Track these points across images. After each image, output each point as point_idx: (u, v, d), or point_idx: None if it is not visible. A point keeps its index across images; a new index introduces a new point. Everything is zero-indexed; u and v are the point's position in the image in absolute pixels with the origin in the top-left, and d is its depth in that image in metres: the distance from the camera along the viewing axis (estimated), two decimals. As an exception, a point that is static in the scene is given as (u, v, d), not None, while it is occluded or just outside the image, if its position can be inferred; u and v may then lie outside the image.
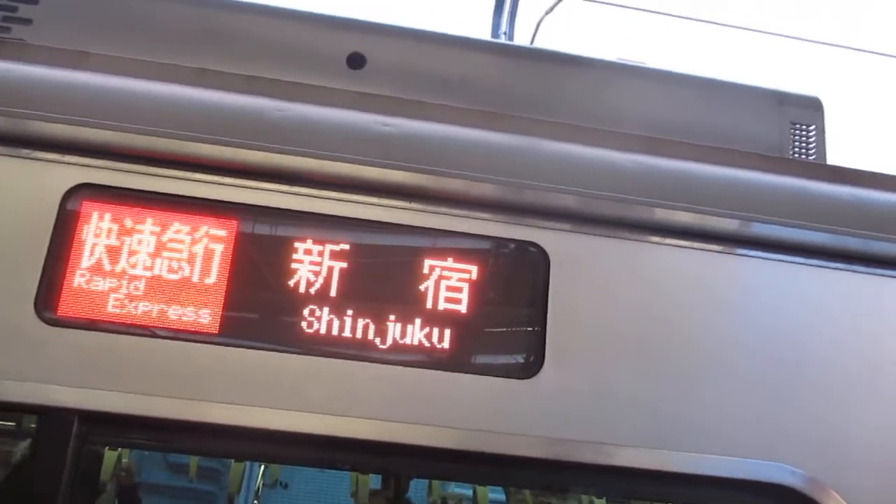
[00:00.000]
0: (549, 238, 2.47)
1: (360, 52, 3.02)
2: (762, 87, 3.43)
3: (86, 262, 2.26)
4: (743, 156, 2.75)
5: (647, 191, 2.56)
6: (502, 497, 5.59)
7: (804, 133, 3.36)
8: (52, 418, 2.13)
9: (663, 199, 2.56)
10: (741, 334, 2.50)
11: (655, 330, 2.44)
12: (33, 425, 2.26)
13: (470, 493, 5.87)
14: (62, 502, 2.09)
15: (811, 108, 3.40)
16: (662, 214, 2.54)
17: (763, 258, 2.58)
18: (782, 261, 2.58)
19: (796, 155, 3.32)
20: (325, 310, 2.32)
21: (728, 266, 2.59)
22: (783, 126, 3.34)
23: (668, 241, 2.54)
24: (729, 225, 2.57)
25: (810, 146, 3.35)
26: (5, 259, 2.23)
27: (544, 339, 2.36)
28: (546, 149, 2.63)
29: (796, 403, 2.45)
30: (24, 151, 2.33)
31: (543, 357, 2.35)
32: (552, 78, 3.06)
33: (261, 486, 5.32)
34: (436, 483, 5.40)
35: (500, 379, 2.34)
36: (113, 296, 2.25)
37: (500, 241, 2.49)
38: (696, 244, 2.56)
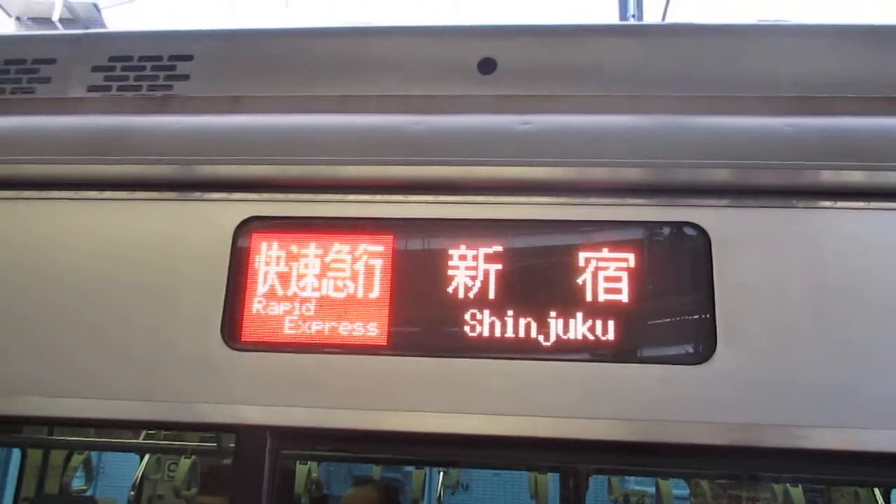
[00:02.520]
0: (706, 216, 2.36)
1: (489, 56, 3.03)
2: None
3: (261, 289, 2.43)
4: None
5: (810, 154, 2.39)
6: (686, 493, 5.39)
7: None
8: (246, 435, 2.29)
9: (829, 161, 2.38)
10: None
11: (835, 300, 2.26)
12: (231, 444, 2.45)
13: (651, 489, 5.68)
14: None
15: None
16: (831, 176, 2.36)
17: None
18: None
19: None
20: (486, 312, 2.35)
21: None
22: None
23: (841, 203, 2.35)
24: None
25: None
26: (191, 294, 2.44)
27: (714, 320, 2.26)
28: (691, 124, 2.53)
29: None
30: (196, 194, 2.55)
31: (715, 340, 2.24)
32: (691, 51, 2.92)
33: (441, 491, 5.44)
34: (616, 480, 5.29)
35: (672, 367, 2.26)
36: (288, 318, 2.40)
37: (655, 226, 2.41)
38: (873, 204, 2.35)
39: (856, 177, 2.35)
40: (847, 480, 4.32)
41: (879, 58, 2.85)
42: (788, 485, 4.31)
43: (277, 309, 2.41)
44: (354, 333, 2.37)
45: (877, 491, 4.69)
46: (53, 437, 5.13)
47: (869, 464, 2.22)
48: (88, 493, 5.60)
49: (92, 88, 2.99)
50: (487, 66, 2.98)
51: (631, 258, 2.36)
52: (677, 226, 2.39)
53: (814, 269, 2.30)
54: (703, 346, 2.26)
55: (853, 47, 2.78)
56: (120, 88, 2.99)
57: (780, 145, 2.41)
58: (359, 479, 5.15)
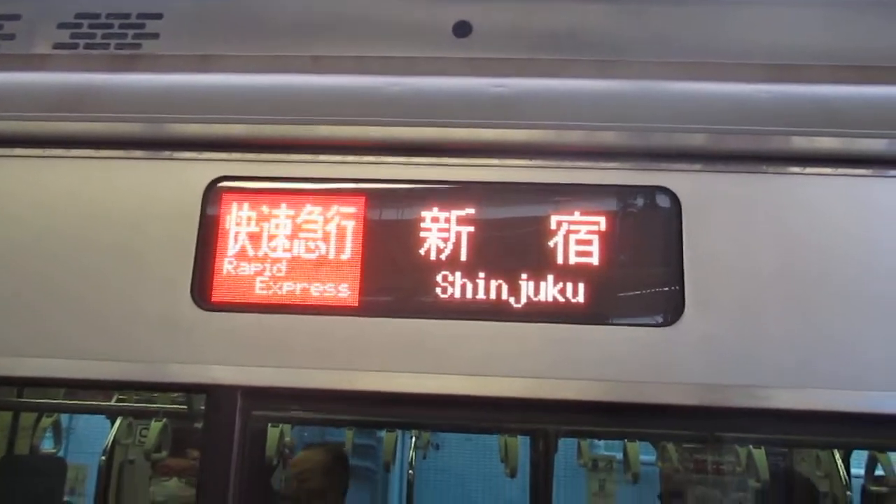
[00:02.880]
0: (678, 181, 2.39)
1: (465, 19, 3.01)
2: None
3: (231, 249, 2.42)
4: (883, 71, 2.54)
5: (781, 120, 2.42)
6: (652, 458, 5.49)
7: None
8: (217, 395, 2.29)
9: (800, 127, 2.41)
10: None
11: (802, 264, 2.31)
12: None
13: (620, 454, 5.79)
14: (234, 473, 2.26)
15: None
16: (802, 142, 2.39)
17: None
18: None
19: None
20: (458, 274, 2.36)
21: (880, 190, 2.40)
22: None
23: (811, 169, 2.39)
24: (878, 146, 2.38)
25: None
26: (160, 254, 2.42)
27: (682, 283, 2.29)
28: (665, 89, 2.54)
29: None
30: (165, 153, 2.52)
31: (683, 302, 2.28)
32: (667, 17, 2.92)
33: (413, 454, 5.48)
34: (585, 445, 5.38)
35: (641, 328, 2.29)
36: (259, 279, 2.39)
37: (626, 189, 2.43)
38: (842, 170, 2.39)
39: (826, 143, 2.38)
40: (808, 441, 4.43)
41: (851, 27, 2.87)
42: (752, 447, 4.41)
43: (248, 269, 2.40)
44: (326, 294, 2.37)
45: (836, 454, 4.83)
46: (21, 399, 5.08)
47: (829, 423, 2.29)
48: (59, 457, 5.56)
49: (58, 46, 2.92)
50: (463, 28, 2.96)
51: (602, 221, 2.38)
52: (649, 190, 2.41)
53: (782, 233, 2.33)
54: (672, 308, 2.30)
55: (826, 16, 2.80)
56: (87, 46, 2.92)
57: (752, 112, 2.43)
58: (310, 443, 5.17)
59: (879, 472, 4.92)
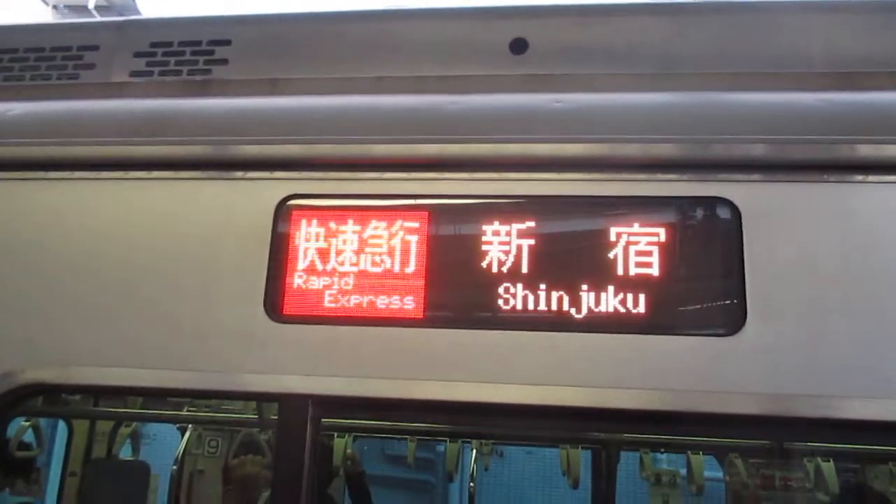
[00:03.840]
0: (737, 191, 2.39)
1: (521, 37, 3.07)
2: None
3: (301, 264, 2.52)
4: None
5: (842, 128, 2.41)
6: (717, 475, 5.41)
7: None
8: (289, 404, 2.39)
9: (861, 135, 2.39)
10: None
11: (865, 272, 2.28)
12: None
13: (682, 469, 5.72)
14: (306, 478, 2.35)
15: None
16: (863, 150, 2.37)
17: None
18: None
19: None
20: (519, 286, 2.41)
21: None
22: None
23: (874, 177, 2.37)
24: None
25: None
26: (235, 269, 2.54)
27: (744, 293, 2.29)
28: (722, 100, 2.56)
29: None
30: (238, 173, 2.64)
31: (745, 312, 2.28)
32: (721, 28, 2.93)
33: (475, 468, 5.52)
34: (647, 458, 5.33)
35: (703, 338, 2.30)
36: (328, 292, 2.49)
37: (685, 200, 2.44)
38: None
39: (887, 151, 2.36)
40: (878, 454, 4.31)
41: None
42: (820, 460, 4.32)
43: (317, 283, 2.50)
44: (391, 307, 2.45)
45: (911, 469, 4.68)
46: (98, 409, 5.31)
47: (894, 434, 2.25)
48: (143, 461, 5.79)
49: (134, 73, 3.10)
50: (519, 46, 3.02)
51: (662, 233, 2.40)
52: (708, 201, 2.42)
53: (844, 242, 2.32)
54: (734, 317, 2.30)
55: (884, 22, 2.77)
56: (161, 73, 3.10)
57: (811, 120, 2.43)
58: (242, 445, 5.12)
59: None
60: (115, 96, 3.03)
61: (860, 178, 2.37)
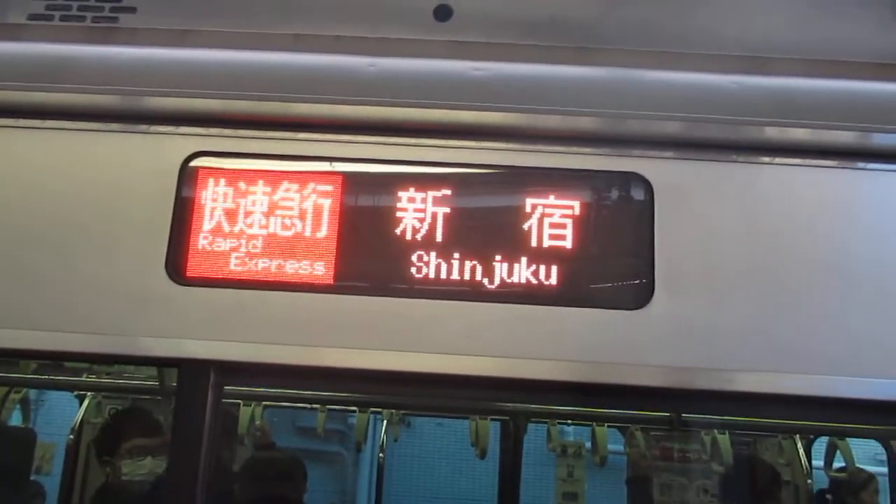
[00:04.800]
0: (650, 167, 2.43)
1: (445, 3, 3.02)
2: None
3: (207, 224, 2.42)
4: (852, 66, 2.60)
5: (753, 111, 2.47)
6: (619, 448, 5.59)
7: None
8: (190, 369, 2.30)
9: (771, 118, 2.46)
10: (860, 249, 2.39)
11: (769, 251, 2.36)
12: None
13: (588, 442, 5.88)
14: (205, 448, 2.26)
15: (932, 11, 3.14)
16: (772, 132, 2.45)
17: (884, 170, 2.44)
18: None
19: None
20: (433, 254, 2.38)
21: (846, 180, 2.47)
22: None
23: (780, 159, 2.45)
24: (845, 138, 2.45)
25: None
26: (136, 228, 2.42)
27: (653, 267, 2.33)
28: (640, 78, 2.57)
29: None
30: (142, 126, 2.50)
31: (654, 286, 2.32)
32: (644, 7, 2.96)
33: (385, 438, 5.52)
34: (555, 430, 5.45)
35: (611, 311, 2.33)
36: (234, 254, 2.40)
37: (600, 175, 2.47)
38: (810, 161, 2.45)
39: (795, 134, 2.44)
40: (770, 425, 4.54)
41: (820, 22, 2.93)
42: (717, 433, 4.51)
43: (224, 245, 2.40)
44: (301, 271, 2.38)
45: (798, 443, 4.96)
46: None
47: (791, 407, 2.35)
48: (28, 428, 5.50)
49: (32, 17, 2.87)
50: (443, 12, 2.97)
51: (576, 206, 2.41)
52: (622, 176, 2.45)
53: (750, 221, 2.39)
54: (642, 291, 2.34)
55: (796, 10, 2.85)
56: (63, 18, 2.88)
57: (724, 102, 2.48)
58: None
59: (839, 462, 5.07)
60: (10, 39, 2.81)
61: (767, 159, 2.44)
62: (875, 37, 3.06)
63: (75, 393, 5.56)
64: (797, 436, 5.01)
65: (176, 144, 2.48)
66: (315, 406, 5.28)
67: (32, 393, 5.98)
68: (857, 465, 5.01)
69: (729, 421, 4.38)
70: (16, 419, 5.49)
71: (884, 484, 4.76)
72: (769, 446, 5.19)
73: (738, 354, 2.30)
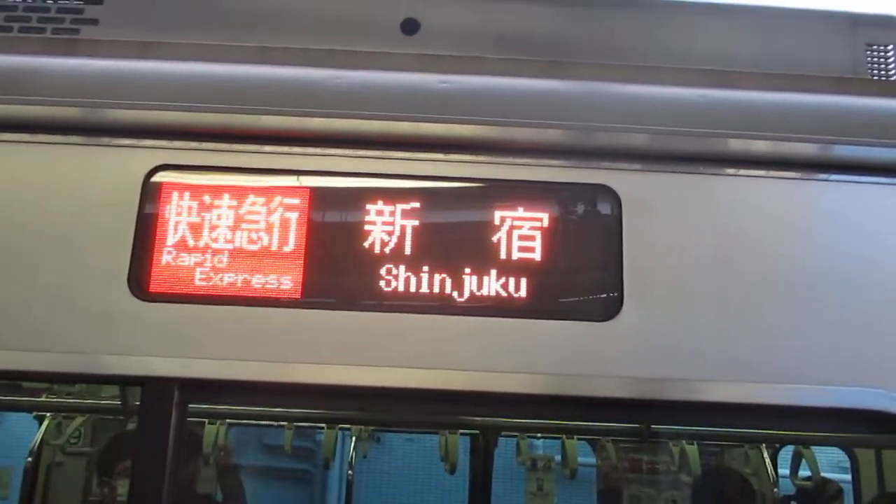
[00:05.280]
0: (618, 179, 2.44)
1: (413, 17, 3.02)
2: (832, 10, 3.27)
3: (171, 239, 2.37)
4: (813, 80, 2.66)
5: (718, 124, 2.51)
6: (592, 460, 5.60)
7: (881, 54, 3.19)
8: (153, 388, 2.24)
9: (735, 131, 2.50)
10: (824, 260, 2.42)
11: (735, 262, 2.39)
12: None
13: (557, 456, 5.88)
14: (169, 469, 2.20)
15: (888, 28, 3.22)
16: (736, 145, 2.49)
17: (846, 181, 2.49)
18: (866, 182, 2.49)
19: (874, 77, 3.16)
20: (402, 268, 2.36)
21: (809, 192, 2.52)
22: (857, 48, 3.18)
23: (744, 171, 2.48)
24: (807, 150, 2.50)
25: (889, 66, 3.19)
26: (97, 242, 2.36)
27: (622, 279, 2.34)
28: (608, 91, 2.60)
29: (886, 328, 2.36)
30: (104, 139, 2.45)
31: (622, 298, 2.33)
32: (611, 21, 3.00)
33: (354, 455, 5.46)
34: (524, 444, 5.44)
35: (580, 322, 2.33)
36: (199, 269, 2.35)
37: (569, 187, 2.47)
38: (773, 173, 2.49)
39: (758, 146, 2.48)
40: (739, 435, 4.58)
41: (781, 37, 3.00)
42: (685, 443, 4.54)
43: (188, 260, 2.36)
44: (268, 286, 2.34)
45: (764, 452, 5.01)
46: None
47: (759, 416, 2.37)
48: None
49: None
50: (411, 26, 2.97)
51: (545, 218, 2.41)
52: (591, 188, 2.46)
53: (716, 233, 2.41)
54: (610, 303, 2.34)
55: (758, 26, 2.91)
56: (22, 30, 2.83)
57: (691, 115, 2.51)
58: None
59: (804, 471, 5.13)
60: None
61: (731, 171, 2.48)
62: (834, 51, 3.14)
63: (34, 414, 5.40)
64: (763, 445, 5.08)
65: (138, 157, 2.43)
66: (282, 423, 5.20)
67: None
68: (822, 473, 5.08)
69: (697, 431, 4.42)
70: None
71: (847, 490, 4.84)
72: (736, 456, 5.25)
73: (705, 365, 2.32)
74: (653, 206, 2.43)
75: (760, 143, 2.48)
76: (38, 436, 5.28)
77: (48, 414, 5.31)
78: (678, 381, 2.30)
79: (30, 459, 5.25)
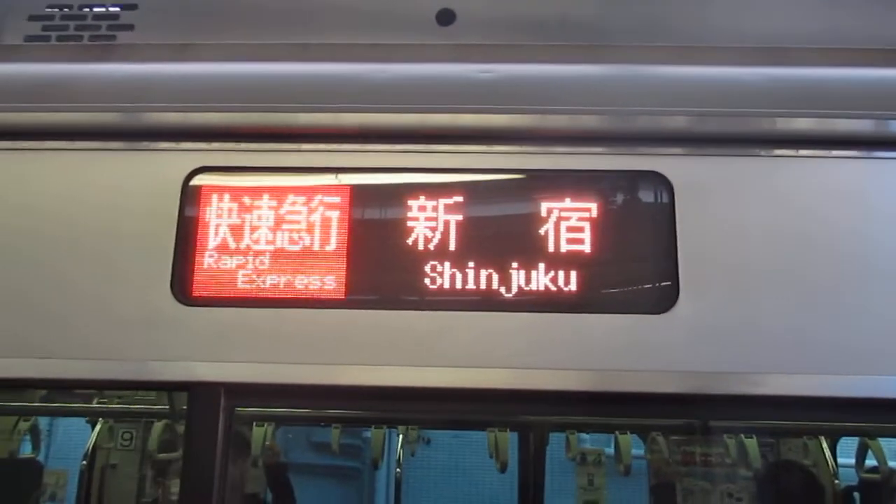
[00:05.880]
0: (669, 164, 2.35)
1: (448, 7, 2.96)
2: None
3: (212, 242, 2.35)
4: (870, 54, 2.52)
5: (771, 102, 2.40)
6: (641, 452, 5.48)
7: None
8: (199, 393, 2.22)
9: (789, 109, 2.38)
10: (889, 242, 2.29)
11: (795, 247, 2.27)
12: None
13: (609, 449, 5.77)
14: (218, 473, 2.18)
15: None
16: (791, 124, 2.36)
17: None
18: None
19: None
20: (447, 264, 2.30)
21: (868, 171, 2.39)
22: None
23: (802, 152, 2.36)
24: (865, 127, 2.37)
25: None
26: (139, 248, 2.34)
27: (676, 270, 2.25)
28: (654, 73, 2.50)
29: None
30: (143, 143, 2.44)
31: (678, 289, 2.23)
32: (652, 2, 2.89)
33: (401, 453, 5.43)
34: (573, 438, 5.34)
35: (634, 316, 2.25)
36: (241, 272, 2.32)
37: (617, 175, 2.39)
38: (831, 152, 2.37)
39: (814, 125, 2.36)
40: (800, 428, 4.43)
41: (836, 10, 2.86)
42: (744, 436, 4.40)
43: (230, 263, 2.33)
44: (311, 287, 2.30)
45: (823, 443, 4.84)
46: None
47: (824, 408, 2.26)
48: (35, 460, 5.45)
49: (29, 38, 2.82)
50: (446, 16, 2.90)
51: (594, 208, 2.33)
52: (640, 174, 2.37)
53: (774, 216, 2.30)
54: (666, 295, 2.25)
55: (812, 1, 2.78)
56: (60, 38, 2.83)
57: (742, 94, 2.41)
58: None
59: (870, 460, 4.94)
60: (6, 60, 2.76)
61: (789, 151, 2.36)
62: (891, 23, 2.98)
63: (87, 419, 5.50)
64: (822, 436, 4.91)
65: (177, 161, 2.42)
66: (327, 424, 5.20)
67: (45, 420, 5.91)
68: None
69: (757, 425, 4.28)
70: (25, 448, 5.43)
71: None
72: (794, 447, 5.08)
73: (767, 356, 2.21)
74: (707, 190, 2.33)
75: (816, 122, 2.36)
76: (92, 440, 5.36)
77: (100, 418, 5.40)
78: (739, 374, 2.20)
79: (84, 462, 5.34)
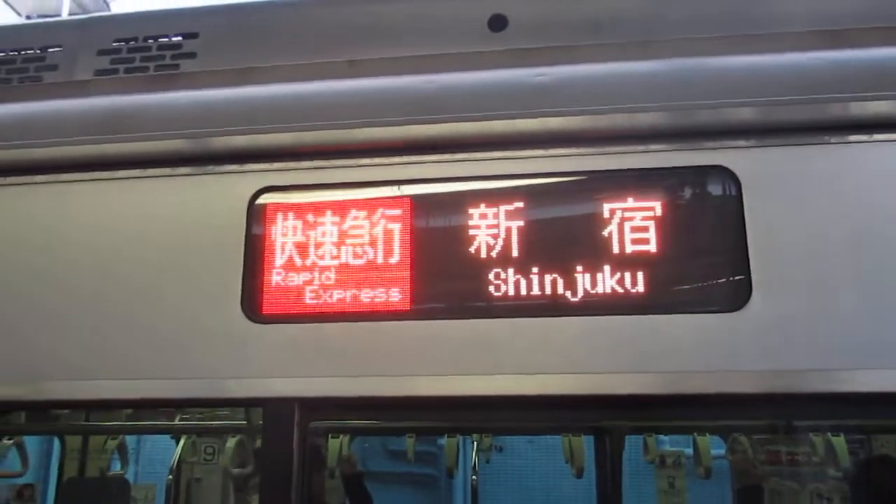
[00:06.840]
0: (734, 158, 2.27)
1: (500, 13, 2.94)
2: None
3: (279, 260, 2.39)
4: None
5: (837, 87, 2.29)
6: (722, 451, 5.31)
7: None
8: (274, 408, 2.26)
9: (858, 92, 2.27)
10: None
11: (873, 237, 2.17)
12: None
13: (688, 449, 5.62)
14: (295, 486, 2.22)
15: None
16: (863, 108, 2.25)
17: None
18: None
19: None
20: (510, 271, 2.28)
21: None
22: None
23: (876, 136, 2.25)
24: None
25: None
26: (210, 270, 2.41)
27: (748, 265, 2.17)
28: (712, 65, 2.43)
29: None
30: (209, 167, 2.51)
31: (750, 285, 2.16)
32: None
33: (476, 460, 5.42)
34: (651, 441, 5.23)
35: (706, 315, 2.18)
36: (308, 288, 2.36)
37: (680, 171, 2.32)
38: None
39: (890, 107, 2.24)
40: (885, 426, 4.21)
41: None
42: (830, 434, 4.22)
43: (297, 279, 2.37)
44: (377, 300, 2.32)
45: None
46: (83, 423, 5.16)
47: None
48: (122, 477, 5.66)
49: (99, 72, 2.95)
50: (498, 22, 2.89)
51: (657, 206, 2.28)
52: (704, 170, 2.30)
53: (849, 205, 2.20)
54: (738, 292, 2.18)
55: None
56: (127, 71, 2.95)
57: (804, 80, 2.31)
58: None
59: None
60: (78, 95, 2.88)
61: (863, 137, 2.25)
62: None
63: (171, 435, 5.68)
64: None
65: (243, 182, 2.48)
66: (401, 434, 5.23)
67: (131, 438, 6.13)
68: None
69: (842, 424, 4.11)
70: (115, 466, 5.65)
71: None
72: (887, 443, 4.85)
73: (847, 352, 2.11)
74: (776, 182, 2.24)
75: (888, 104, 2.23)
76: (176, 455, 5.54)
77: (183, 434, 5.57)
78: (817, 371, 2.11)
79: (170, 477, 5.51)
